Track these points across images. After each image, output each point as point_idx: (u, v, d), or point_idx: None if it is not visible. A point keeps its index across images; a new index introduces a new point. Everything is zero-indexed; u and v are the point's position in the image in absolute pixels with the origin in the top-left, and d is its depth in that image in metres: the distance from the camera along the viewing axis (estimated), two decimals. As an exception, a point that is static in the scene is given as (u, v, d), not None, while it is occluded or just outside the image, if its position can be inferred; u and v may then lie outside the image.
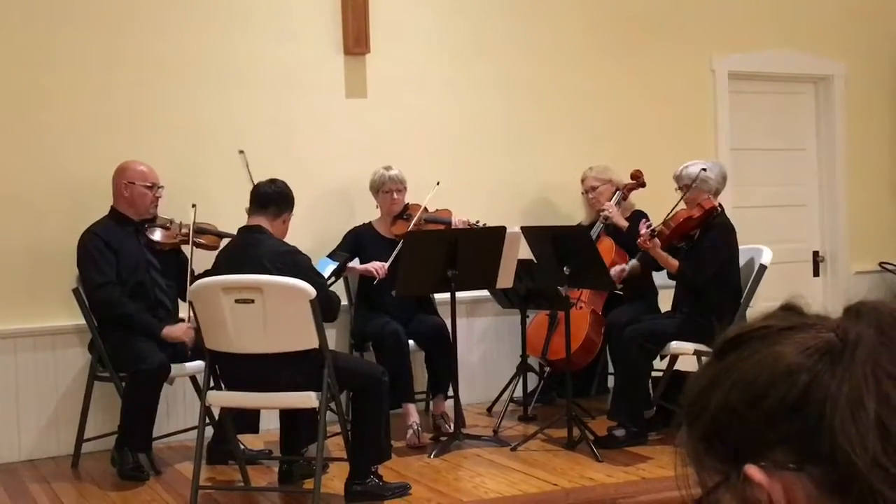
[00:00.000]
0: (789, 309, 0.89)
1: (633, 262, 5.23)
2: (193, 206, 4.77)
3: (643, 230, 4.88)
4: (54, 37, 5.03)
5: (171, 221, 4.87)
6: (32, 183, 4.98)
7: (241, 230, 4.26)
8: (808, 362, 0.81)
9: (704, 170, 4.92)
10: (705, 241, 4.88)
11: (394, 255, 5.05)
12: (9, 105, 4.96)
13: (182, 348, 4.61)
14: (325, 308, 3.92)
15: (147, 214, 4.80)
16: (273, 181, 4.27)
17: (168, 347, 4.57)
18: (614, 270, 5.16)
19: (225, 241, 4.70)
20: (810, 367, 0.81)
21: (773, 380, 0.82)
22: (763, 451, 0.82)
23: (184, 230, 4.83)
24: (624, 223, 5.45)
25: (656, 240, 4.82)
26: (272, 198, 4.18)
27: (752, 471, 0.83)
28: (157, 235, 4.80)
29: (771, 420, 0.82)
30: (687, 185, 4.93)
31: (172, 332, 4.60)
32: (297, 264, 4.01)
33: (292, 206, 4.27)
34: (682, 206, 4.97)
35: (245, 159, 5.01)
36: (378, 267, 5.11)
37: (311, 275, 4.01)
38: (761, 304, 4.73)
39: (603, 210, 5.49)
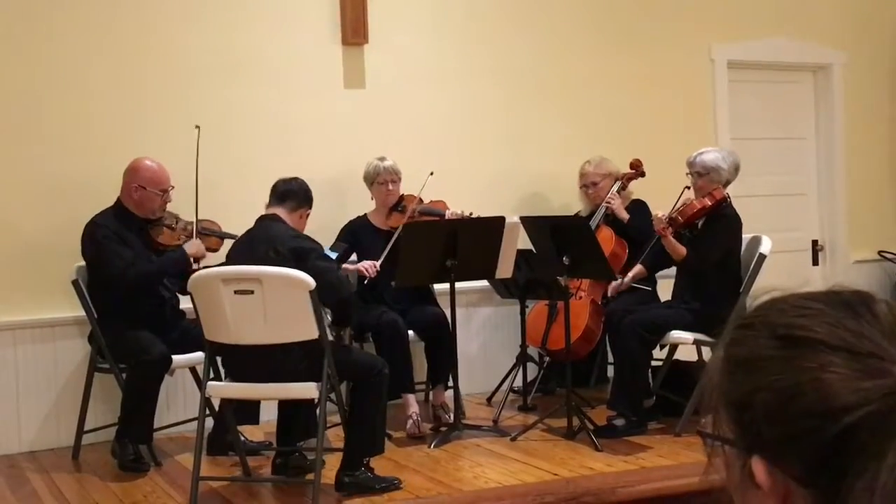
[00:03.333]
0: (860, 309, 0.84)
1: (639, 267, 5.18)
2: (197, 126, 4.74)
3: (660, 214, 4.86)
4: (52, 30, 5.01)
5: (176, 221, 4.85)
6: (31, 175, 4.97)
7: (258, 219, 4.26)
8: (856, 411, 0.77)
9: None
10: (711, 228, 4.88)
11: (386, 250, 5.02)
12: (9, 99, 4.94)
13: (187, 332, 4.60)
14: (332, 290, 3.93)
15: (152, 216, 4.78)
16: (294, 179, 4.33)
17: (168, 339, 4.56)
18: (612, 286, 5.18)
19: (227, 243, 4.68)
20: (858, 416, 0.77)
21: (816, 410, 0.79)
22: (778, 452, 0.81)
23: (188, 229, 4.81)
24: (625, 215, 5.45)
25: (670, 228, 4.82)
26: (290, 192, 4.25)
27: (758, 467, 0.82)
28: (161, 237, 4.78)
29: (798, 439, 0.80)
30: (699, 173, 4.92)
31: (192, 249, 4.66)
32: (307, 249, 4.02)
33: (310, 204, 4.33)
34: (689, 192, 4.96)
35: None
36: (368, 266, 5.08)
37: (319, 260, 4.02)
38: (761, 293, 4.72)
39: (608, 202, 5.49)
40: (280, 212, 4.21)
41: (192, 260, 4.67)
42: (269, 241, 4.03)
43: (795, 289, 0.89)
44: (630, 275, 5.19)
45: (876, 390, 0.78)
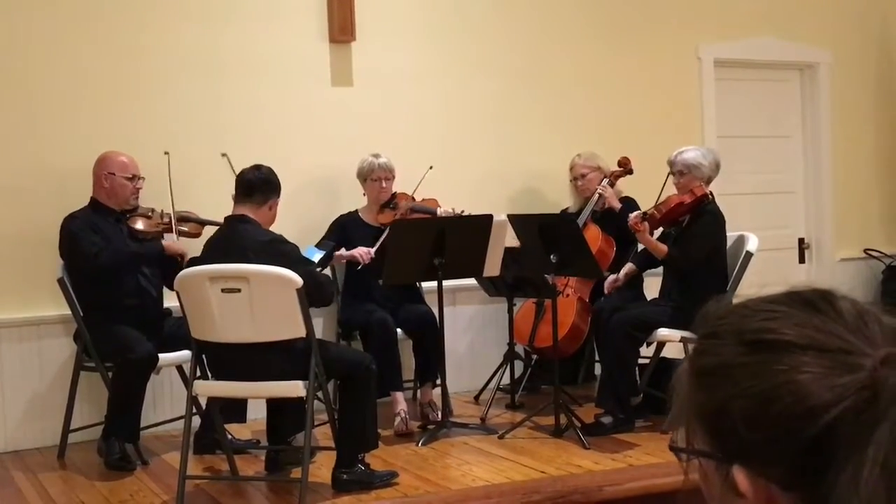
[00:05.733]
0: (823, 307, 0.84)
1: (630, 265, 5.23)
2: (166, 153, 4.80)
3: (633, 214, 4.90)
4: (36, 24, 4.98)
5: (153, 210, 4.87)
6: (16, 173, 4.95)
7: (226, 219, 4.23)
8: (833, 408, 0.78)
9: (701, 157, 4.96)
10: (695, 226, 4.89)
11: (380, 241, 5.05)
12: (-8, 94, 4.92)
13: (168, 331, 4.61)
14: (318, 292, 3.91)
15: (127, 205, 4.79)
16: (258, 167, 4.21)
17: (154, 337, 4.55)
18: (609, 282, 5.19)
19: (208, 229, 4.71)
20: (836, 413, 0.78)
21: (794, 412, 0.79)
22: (759, 458, 0.81)
23: (165, 219, 4.83)
24: (617, 204, 5.47)
25: (646, 223, 4.83)
26: (257, 185, 4.13)
27: (740, 476, 0.82)
28: (139, 224, 4.80)
29: (778, 443, 0.80)
30: (681, 171, 4.94)
31: (171, 246, 4.70)
32: (282, 253, 3.97)
33: (279, 192, 4.21)
34: (673, 190, 4.98)
35: (229, 161, 4.88)
36: (363, 252, 5.10)
37: (298, 263, 3.98)
38: (747, 291, 4.74)
39: (601, 191, 5.49)
40: (248, 209, 4.09)
41: (177, 257, 4.69)
42: (241, 251, 3.95)
43: (752, 294, 0.89)
44: (623, 271, 5.20)
45: (850, 385, 0.78)
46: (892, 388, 0.77)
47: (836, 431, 0.77)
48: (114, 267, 4.57)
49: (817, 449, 0.78)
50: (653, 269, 5.29)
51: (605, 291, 5.24)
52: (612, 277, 5.22)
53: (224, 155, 4.86)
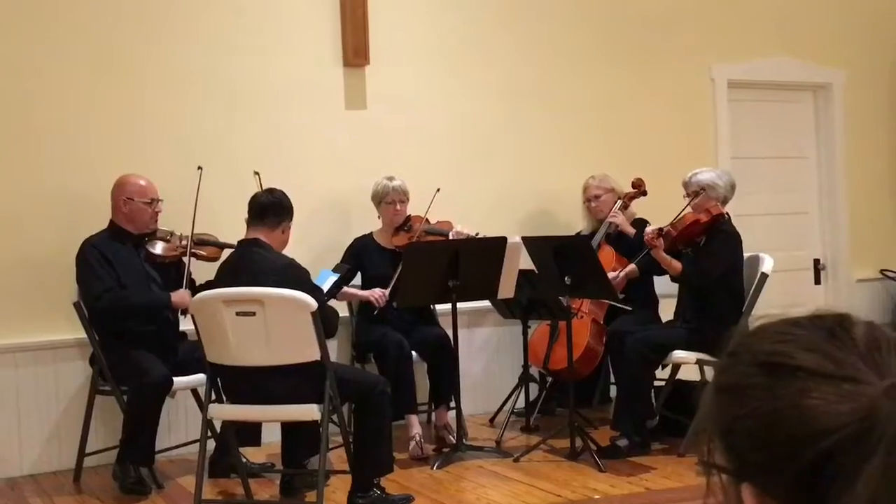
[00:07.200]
0: (837, 332, 0.85)
1: (632, 266, 5.22)
2: (199, 168, 4.78)
3: (649, 229, 4.88)
4: (44, 48, 5.02)
5: (171, 234, 4.86)
6: (30, 197, 4.98)
7: (239, 243, 4.24)
8: (833, 434, 0.78)
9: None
10: (711, 246, 4.88)
11: (395, 278, 5.03)
12: (8, 117, 4.95)
13: (182, 352, 4.60)
14: (322, 323, 3.90)
15: (146, 229, 4.79)
16: (271, 191, 4.25)
17: (169, 361, 4.56)
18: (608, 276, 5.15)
19: (226, 252, 4.70)
20: (835, 440, 0.78)
21: (796, 435, 0.80)
22: (763, 479, 0.83)
23: (184, 242, 4.82)
24: (631, 230, 5.46)
25: (661, 240, 4.82)
26: (270, 208, 4.15)
27: (747, 494, 0.84)
28: (157, 249, 4.79)
29: (779, 464, 0.81)
30: (695, 192, 4.93)
31: (180, 298, 4.59)
32: (295, 279, 3.98)
33: (291, 216, 4.24)
34: (689, 211, 4.97)
35: (259, 181, 4.84)
36: (378, 296, 5.09)
37: (308, 289, 3.98)
38: (763, 312, 4.72)
39: (612, 219, 5.48)
40: (261, 233, 4.11)
41: (178, 310, 4.64)
42: (253, 275, 3.95)
43: (783, 314, 0.90)
44: (623, 272, 5.18)
45: (851, 413, 0.78)
46: (886, 420, 0.77)
47: (834, 458, 0.78)
48: (111, 312, 4.56)
49: (816, 473, 0.79)
50: (666, 289, 5.27)
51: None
52: (612, 274, 5.13)
53: (256, 173, 4.87)
